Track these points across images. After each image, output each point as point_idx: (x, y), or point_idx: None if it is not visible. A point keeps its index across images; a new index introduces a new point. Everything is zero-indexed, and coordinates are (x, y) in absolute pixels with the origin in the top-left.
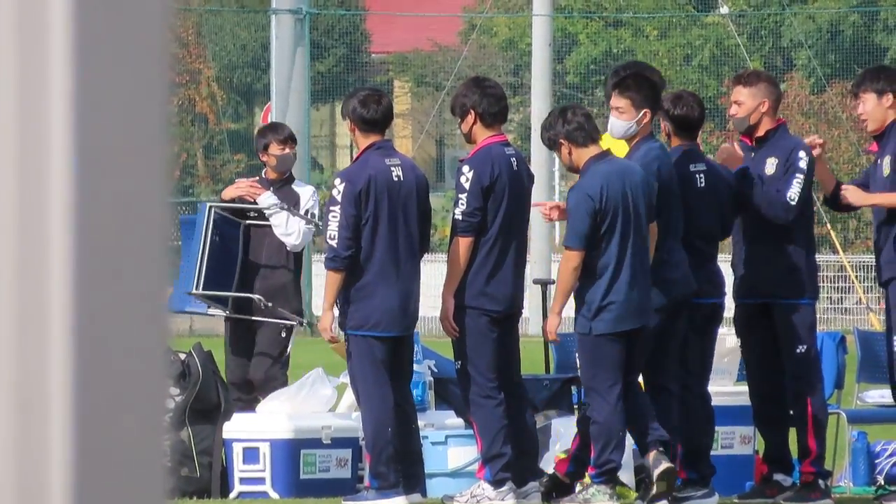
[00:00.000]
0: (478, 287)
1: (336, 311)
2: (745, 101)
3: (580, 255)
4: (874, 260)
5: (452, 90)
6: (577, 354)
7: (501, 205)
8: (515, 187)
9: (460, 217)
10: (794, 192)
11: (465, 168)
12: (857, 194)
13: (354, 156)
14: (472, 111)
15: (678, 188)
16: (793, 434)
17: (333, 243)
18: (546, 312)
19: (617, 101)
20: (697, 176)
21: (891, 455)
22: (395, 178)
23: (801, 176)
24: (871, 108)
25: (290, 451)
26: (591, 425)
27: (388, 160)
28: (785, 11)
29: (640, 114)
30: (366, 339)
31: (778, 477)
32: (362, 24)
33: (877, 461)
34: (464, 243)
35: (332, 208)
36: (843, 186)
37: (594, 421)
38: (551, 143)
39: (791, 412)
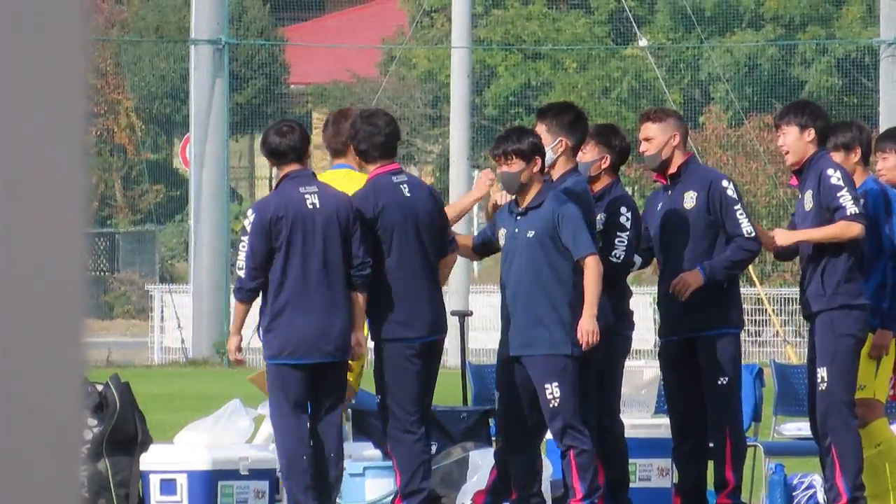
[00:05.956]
0: (392, 316)
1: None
2: (655, 137)
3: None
4: (798, 292)
5: None
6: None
7: (394, 233)
8: (409, 213)
9: None
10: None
11: None
12: (782, 234)
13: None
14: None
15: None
16: (709, 466)
17: (241, 273)
18: (465, 345)
19: (537, 127)
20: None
21: (808, 487)
22: (310, 206)
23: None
24: (793, 140)
25: (208, 483)
26: (579, 456)
27: (302, 188)
28: (703, 45)
29: (556, 141)
30: (280, 369)
31: None
32: (281, 54)
33: (794, 493)
34: None
35: (242, 239)
36: (773, 231)
37: (582, 451)
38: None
39: (711, 444)
